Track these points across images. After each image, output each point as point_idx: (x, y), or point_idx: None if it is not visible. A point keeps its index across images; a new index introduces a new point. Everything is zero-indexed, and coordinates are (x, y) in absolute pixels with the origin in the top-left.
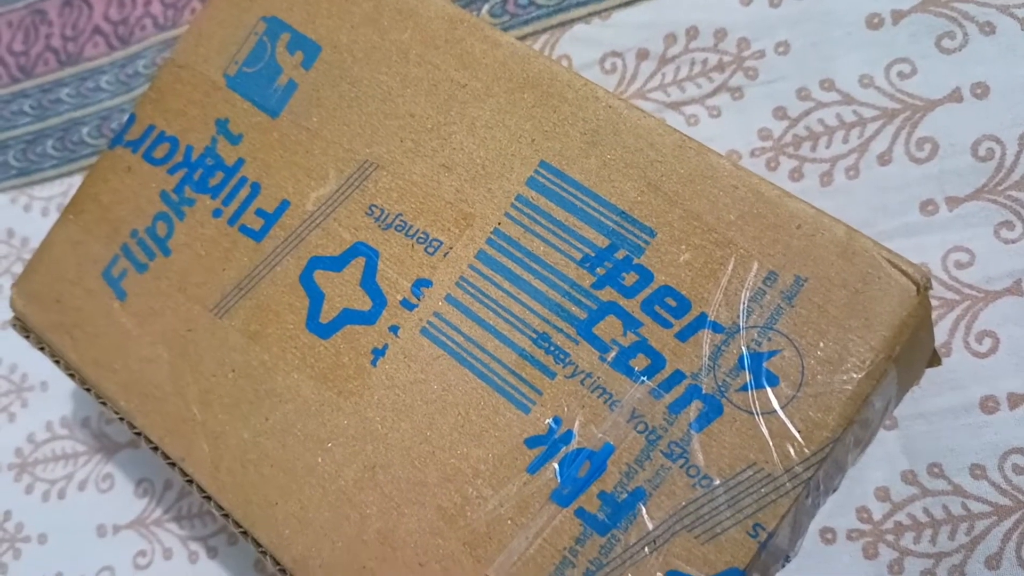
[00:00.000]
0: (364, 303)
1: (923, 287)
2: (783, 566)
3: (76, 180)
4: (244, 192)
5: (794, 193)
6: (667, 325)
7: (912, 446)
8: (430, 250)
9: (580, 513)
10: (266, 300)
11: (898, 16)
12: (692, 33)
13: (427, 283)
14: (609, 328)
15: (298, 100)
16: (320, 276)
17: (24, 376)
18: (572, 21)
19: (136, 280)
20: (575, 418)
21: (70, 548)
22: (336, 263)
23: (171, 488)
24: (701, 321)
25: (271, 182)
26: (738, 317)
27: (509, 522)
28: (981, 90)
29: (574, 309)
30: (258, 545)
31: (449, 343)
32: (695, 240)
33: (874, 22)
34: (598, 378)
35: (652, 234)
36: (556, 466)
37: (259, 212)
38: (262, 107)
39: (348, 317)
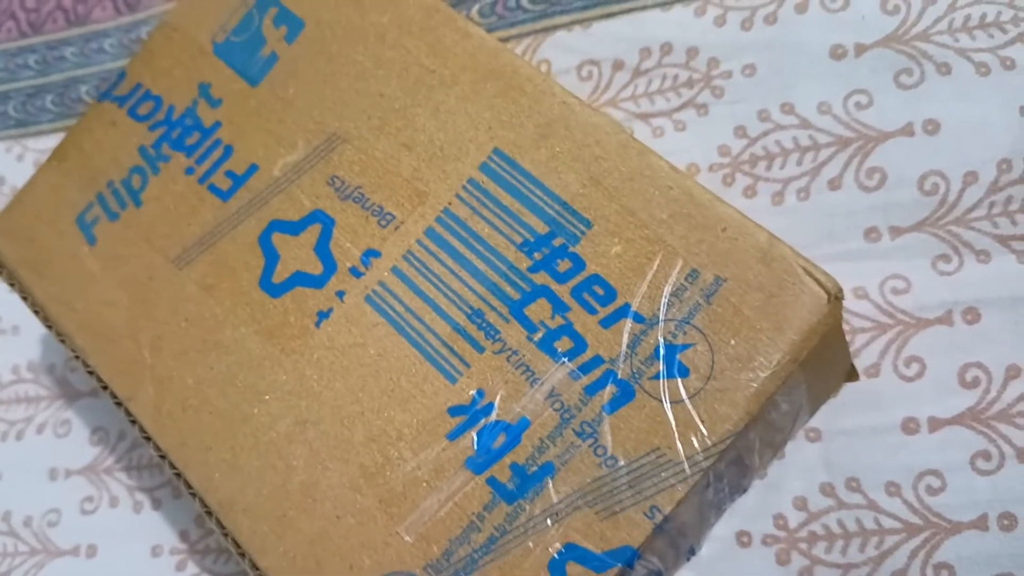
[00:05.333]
0: (316, 267)
1: (834, 296)
2: (688, 559)
3: None
4: (217, 153)
5: (746, 210)
6: (593, 311)
7: (833, 460)
8: (383, 223)
9: (491, 481)
10: (224, 256)
11: (861, 49)
12: (666, 49)
13: (376, 254)
14: (539, 310)
15: (278, 71)
16: (278, 238)
17: None
18: (555, 27)
19: (107, 227)
20: (497, 392)
21: (22, 488)
22: (294, 227)
23: (124, 439)
24: (624, 311)
25: (243, 146)
26: (659, 310)
27: (424, 484)
28: (932, 127)
29: (509, 289)
30: (188, 486)
31: (390, 311)
32: (627, 234)
33: (838, 53)
34: (523, 356)
35: (589, 225)
36: (474, 435)
37: (228, 173)
38: (244, 75)
39: (299, 279)
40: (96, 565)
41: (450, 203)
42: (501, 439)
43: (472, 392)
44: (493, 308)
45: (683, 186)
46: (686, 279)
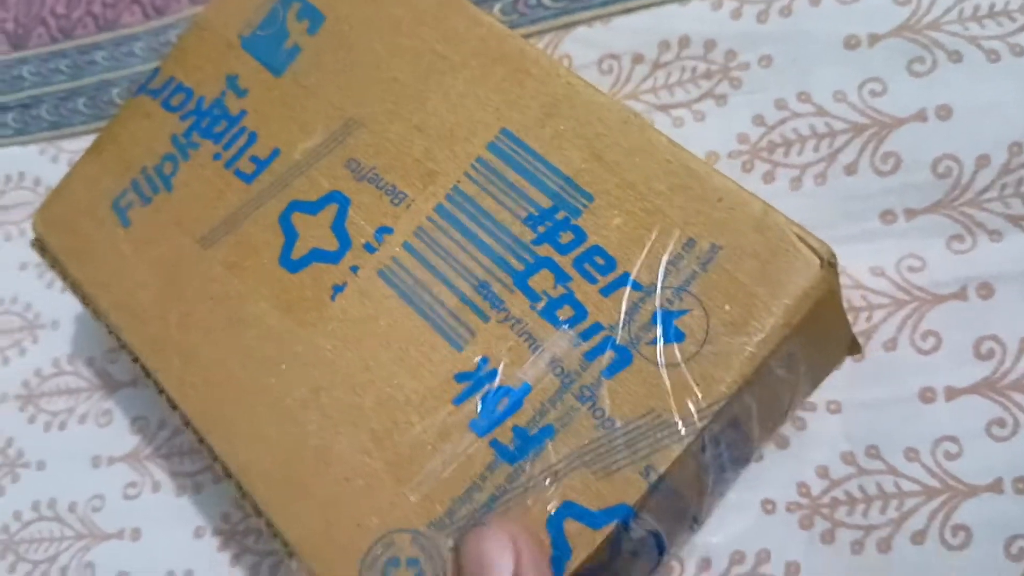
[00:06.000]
0: (332, 244)
1: (827, 261)
2: (693, 528)
3: None
4: (242, 140)
5: (765, 194)
6: (593, 281)
7: (853, 430)
8: (395, 201)
9: (494, 443)
10: (247, 236)
11: (874, 39)
12: (684, 42)
13: (389, 230)
14: (542, 280)
15: (300, 62)
16: (297, 218)
17: (37, 315)
18: (575, 23)
19: (140, 211)
20: (501, 359)
21: (66, 475)
22: (312, 207)
23: (165, 427)
24: (623, 280)
25: (267, 132)
26: (656, 278)
27: (430, 447)
28: (945, 112)
29: (513, 261)
30: (212, 452)
31: (400, 285)
32: (627, 206)
33: (851, 43)
34: (526, 324)
35: (590, 199)
36: (479, 400)
37: (252, 158)
38: (268, 66)
39: (316, 256)
40: (140, 547)
41: (459, 181)
42: (504, 403)
43: (477, 359)
44: (498, 279)
45: (680, 159)
46: (683, 248)
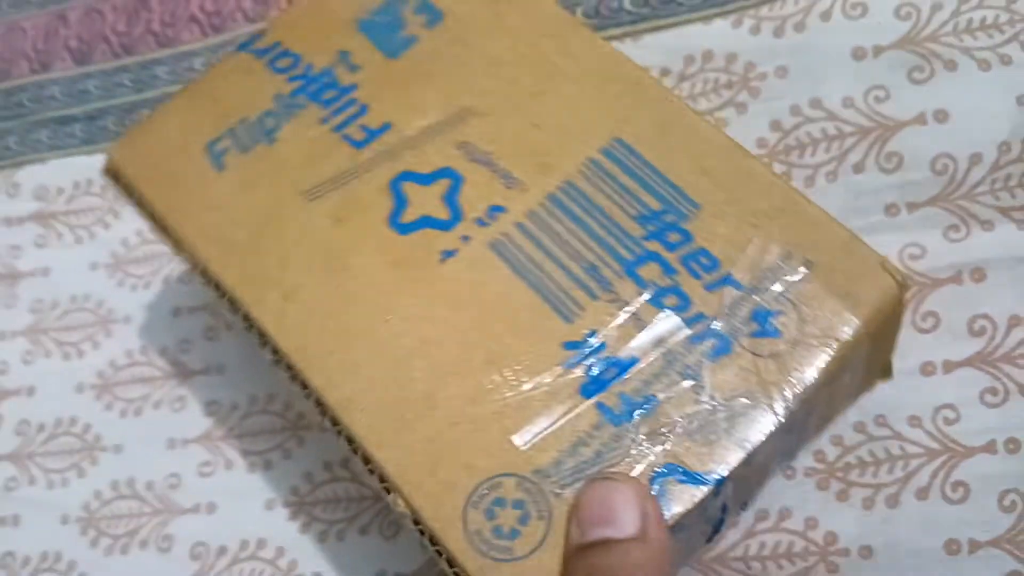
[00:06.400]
0: (443, 214)
1: (902, 286)
2: (742, 510)
3: None
4: (353, 109)
5: None
6: (698, 277)
7: (862, 402)
8: (509, 185)
9: (600, 406)
10: (355, 195)
11: (879, 51)
12: (707, 56)
13: (501, 209)
14: (650, 271)
15: (416, 50)
16: (407, 186)
17: (109, 311)
18: (608, 39)
19: (237, 157)
20: (610, 334)
21: (142, 457)
22: (424, 179)
23: (237, 409)
24: (726, 279)
25: (378, 107)
26: (755, 281)
27: (537, 403)
28: (942, 116)
29: (623, 251)
30: (305, 387)
31: (511, 259)
32: (731, 218)
33: (858, 54)
34: (634, 306)
35: (697, 207)
36: (587, 366)
37: (363, 127)
38: (383, 49)
39: (426, 222)
40: (216, 519)
41: (572, 177)
42: (611, 372)
43: (585, 332)
44: (607, 265)
45: (781, 187)
46: (781, 259)
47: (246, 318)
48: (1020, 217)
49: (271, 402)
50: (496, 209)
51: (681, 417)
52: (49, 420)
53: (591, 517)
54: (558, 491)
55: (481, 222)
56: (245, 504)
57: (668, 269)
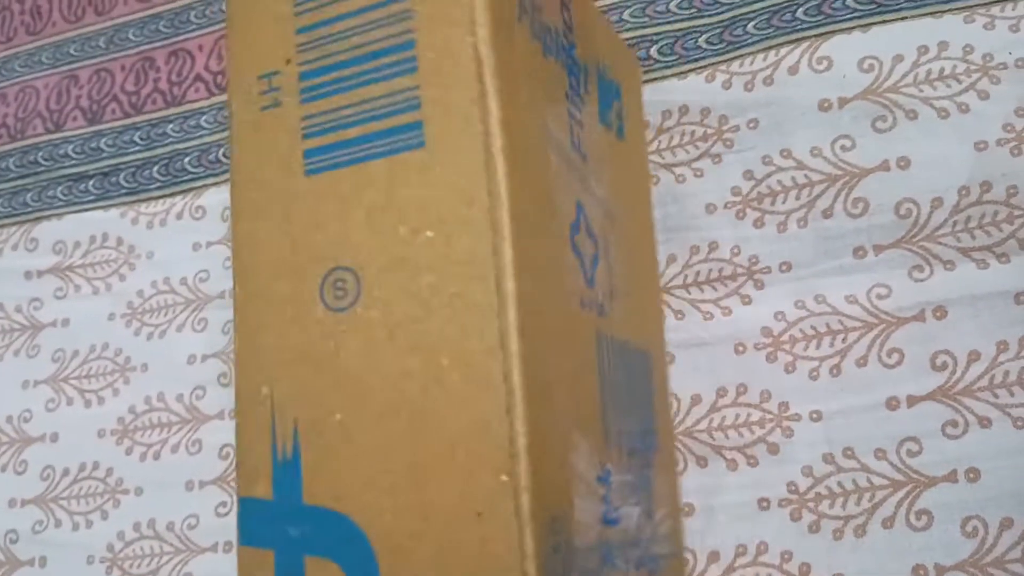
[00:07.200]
0: None
1: None
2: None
3: (178, 200)
4: None
5: (756, 237)
6: None
7: (832, 435)
8: None
9: None
10: None
11: (843, 102)
12: (683, 110)
13: None
14: None
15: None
16: None
17: (127, 359)
18: None
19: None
20: None
21: (162, 499)
22: None
23: None
24: None
25: None
26: None
27: None
28: (904, 162)
29: None
30: None
31: None
32: None
33: (824, 106)
34: None
35: None
36: None
37: None
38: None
39: None
40: (233, 558)
41: None
42: None
43: None
44: None
45: None
46: None
47: None
48: (979, 257)
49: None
50: None
51: None
52: (73, 465)
53: None
54: None
55: None
56: None
57: None
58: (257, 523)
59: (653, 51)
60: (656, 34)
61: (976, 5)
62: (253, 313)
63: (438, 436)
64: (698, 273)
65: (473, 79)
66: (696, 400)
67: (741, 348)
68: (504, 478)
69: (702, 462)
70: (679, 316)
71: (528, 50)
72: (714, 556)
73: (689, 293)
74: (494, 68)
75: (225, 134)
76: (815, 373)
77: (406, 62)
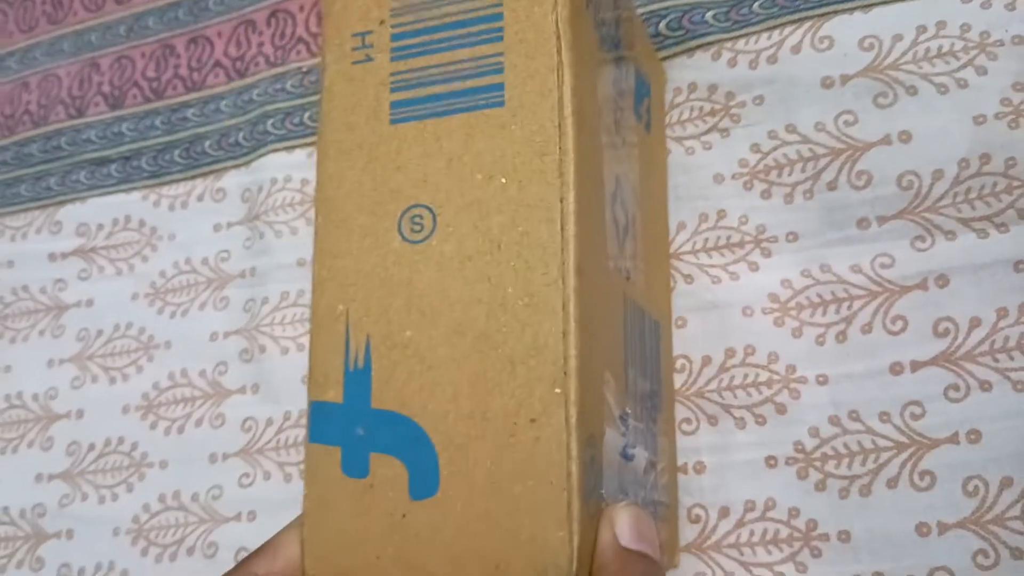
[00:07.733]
0: None
1: None
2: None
3: (199, 182)
4: None
5: (764, 208)
6: None
7: (838, 398)
8: None
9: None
10: None
11: (845, 79)
12: (692, 87)
13: None
14: None
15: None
16: None
17: (150, 337)
18: None
19: None
20: None
21: (186, 472)
22: None
23: (272, 424)
24: None
25: None
26: None
27: None
28: (906, 136)
29: None
30: None
31: None
32: None
33: (827, 83)
34: None
35: None
36: None
37: None
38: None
39: None
40: (256, 526)
41: None
42: None
43: None
44: None
45: None
46: None
47: None
48: (980, 227)
49: (303, 417)
50: None
51: None
52: (98, 440)
53: (641, 533)
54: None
55: None
56: (284, 512)
57: None
58: (326, 423)
59: (662, 26)
60: (664, 8)
61: None
62: (333, 241)
63: (500, 353)
64: (707, 240)
65: (553, 51)
66: (707, 361)
67: (749, 311)
68: (557, 391)
69: (713, 420)
70: (688, 280)
71: (591, 37)
72: (724, 511)
73: (698, 258)
74: (570, 43)
75: (244, 118)
76: (821, 339)
77: (493, 31)
